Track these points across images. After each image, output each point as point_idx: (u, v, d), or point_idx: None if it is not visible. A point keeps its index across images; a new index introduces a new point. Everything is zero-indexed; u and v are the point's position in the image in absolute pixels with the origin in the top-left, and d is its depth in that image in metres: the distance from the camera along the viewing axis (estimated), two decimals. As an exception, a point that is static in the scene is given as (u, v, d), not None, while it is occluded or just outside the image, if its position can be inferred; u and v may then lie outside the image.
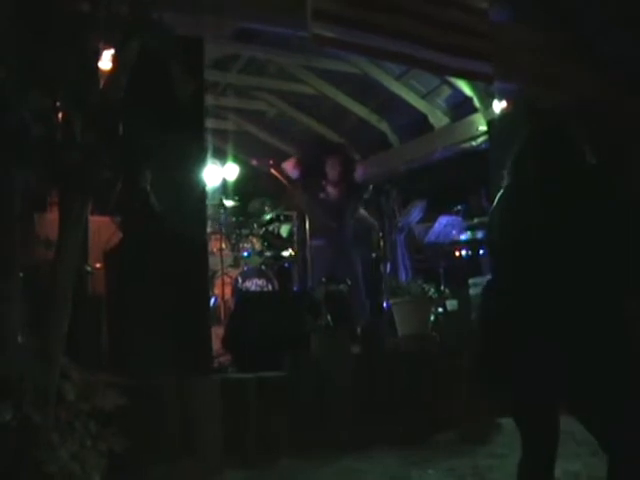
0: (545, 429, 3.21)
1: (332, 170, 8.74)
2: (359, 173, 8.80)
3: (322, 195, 8.68)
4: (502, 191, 3.41)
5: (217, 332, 6.58)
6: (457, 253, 9.85)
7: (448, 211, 9.84)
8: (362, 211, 9.16)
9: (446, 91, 9.88)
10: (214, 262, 8.47)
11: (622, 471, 2.98)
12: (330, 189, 8.73)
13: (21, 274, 3.15)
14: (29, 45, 2.85)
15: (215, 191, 9.44)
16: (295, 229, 9.85)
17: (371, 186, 8.84)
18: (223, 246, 9.02)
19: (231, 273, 9.13)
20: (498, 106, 8.66)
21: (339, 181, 8.73)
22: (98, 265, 5.97)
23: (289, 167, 8.80)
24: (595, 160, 3.26)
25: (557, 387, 3.03)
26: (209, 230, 8.37)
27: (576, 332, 2.92)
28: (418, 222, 9.92)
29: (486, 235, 3.73)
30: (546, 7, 7.70)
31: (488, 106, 8.93)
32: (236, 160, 10.11)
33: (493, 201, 3.46)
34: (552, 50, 7.93)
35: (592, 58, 7.92)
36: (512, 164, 3.37)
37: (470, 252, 9.78)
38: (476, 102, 9.19)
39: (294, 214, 10.12)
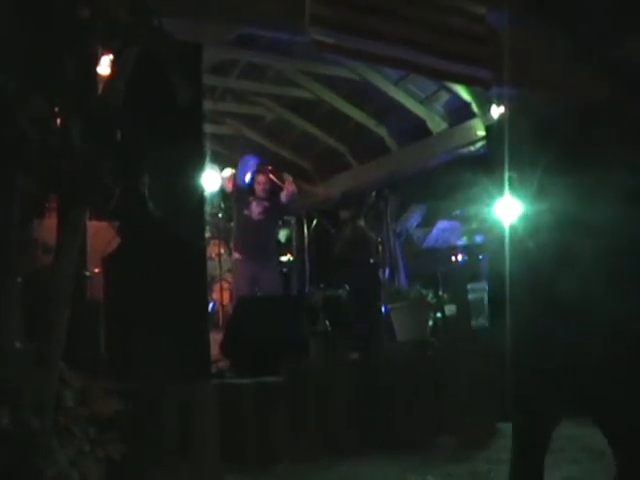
0: (549, 435, 3.22)
1: (258, 187, 8.83)
2: (285, 193, 8.87)
3: (246, 212, 8.75)
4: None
5: (215, 337, 6.58)
6: (455, 258, 9.85)
7: (447, 216, 9.84)
8: (361, 223, 9.20)
9: (444, 96, 9.88)
10: (213, 267, 8.48)
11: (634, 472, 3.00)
12: (254, 206, 8.79)
13: (20, 279, 3.15)
14: (29, 50, 2.85)
15: (214, 196, 9.44)
16: (293, 234, 9.87)
17: (374, 193, 8.85)
18: (222, 251, 9.02)
19: (230, 278, 9.13)
20: (496, 111, 8.66)
21: (263, 199, 8.81)
22: (96, 270, 5.96)
23: (226, 182, 8.92)
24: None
25: (578, 393, 3.05)
26: (208, 235, 8.38)
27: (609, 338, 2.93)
28: (417, 227, 9.92)
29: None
30: (545, 11, 7.71)
31: (486, 111, 8.93)
32: (234, 165, 10.10)
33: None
34: (551, 54, 7.93)
35: (593, 61, 7.93)
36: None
37: (468, 257, 9.78)
38: (474, 107, 9.20)
39: (292, 219, 10.15)
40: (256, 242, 8.54)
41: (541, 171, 3.32)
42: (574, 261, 3.04)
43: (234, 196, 8.99)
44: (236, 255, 8.82)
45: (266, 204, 8.81)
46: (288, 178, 8.94)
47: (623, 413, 3.01)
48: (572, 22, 7.68)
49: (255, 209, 8.78)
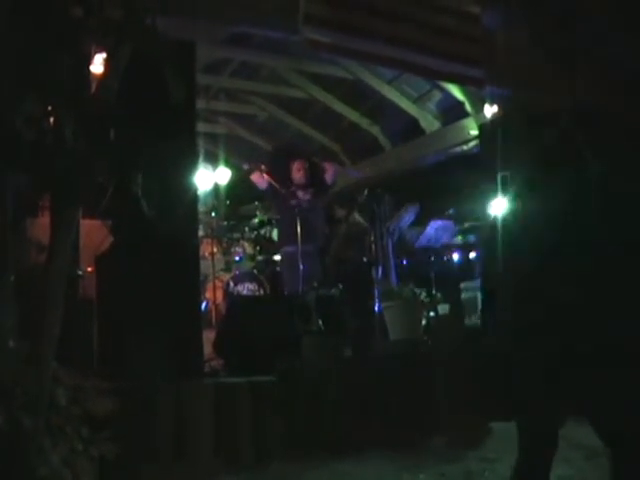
0: (551, 433, 3.22)
1: (297, 175, 8.74)
2: (330, 174, 8.77)
3: (294, 202, 8.66)
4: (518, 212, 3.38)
5: (208, 336, 6.57)
6: (449, 257, 9.87)
7: (440, 215, 9.85)
8: (357, 216, 9.18)
9: (437, 95, 9.90)
10: (205, 266, 8.46)
11: (628, 472, 3.01)
12: (301, 194, 8.71)
13: (13, 278, 3.15)
14: (22, 49, 2.84)
15: (207, 195, 9.43)
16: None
17: (366, 190, 8.85)
18: (214, 250, 9.01)
19: (222, 277, 9.13)
20: (489, 110, 8.68)
21: (307, 184, 8.72)
22: (89, 269, 5.95)
23: (256, 178, 8.76)
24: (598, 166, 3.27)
25: (573, 391, 3.06)
26: (201, 234, 8.36)
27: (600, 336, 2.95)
28: (409, 226, 9.93)
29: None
30: (541, 10, 7.72)
31: (479, 110, 8.96)
32: (228, 164, 10.10)
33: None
34: (546, 54, 7.94)
35: (589, 61, 7.95)
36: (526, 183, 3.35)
37: (462, 256, 9.80)
38: (467, 106, 9.22)
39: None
40: (312, 228, 8.42)
41: (523, 170, 3.37)
42: (565, 259, 3.07)
43: (272, 192, 8.86)
44: (289, 248, 8.63)
45: (312, 190, 8.71)
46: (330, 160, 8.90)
47: (616, 412, 3.02)
48: (570, 21, 7.70)
49: (304, 197, 8.68)
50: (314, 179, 8.79)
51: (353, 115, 11.03)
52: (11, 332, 3.09)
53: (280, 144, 11.63)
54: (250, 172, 8.86)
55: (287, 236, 8.66)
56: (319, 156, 9.35)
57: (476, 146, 9.37)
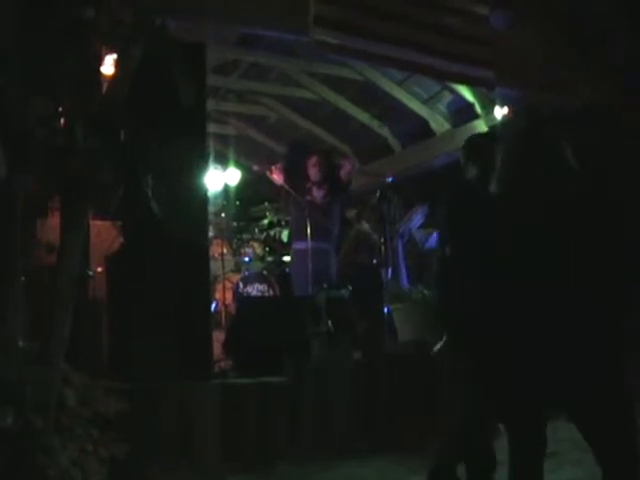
0: (538, 435, 3.22)
1: (313, 170, 8.69)
2: (346, 170, 8.72)
3: (309, 198, 8.63)
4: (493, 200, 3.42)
5: (218, 337, 6.58)
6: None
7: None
8: (365, 225, 9.16)
9: (447, 97, 9.87)
10: (215, 267, 8.46)
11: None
12: (315, 190, 8.68)
13: (23, 278, 3.16)
14: (33, 50, 2.85)
15: (217, 196, 9.43)
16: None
17: (378, 192, 8.81)
18: (224, 251, 9.01)
19: (232, 278, 9.12)
20: (500, 112, 8.66)
21: (322, 181, 8.68)
22: (99, 269, 5.96)
23: (272, 174, 8.70)
24: (578, 164, 3.28)
25: (556, 391, 3.06)
26: (210, 235, 8.36)
27: (579, 335, 2.95)
28: (419, 228, 9.91)
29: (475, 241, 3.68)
30: (547, 12, 7.72)
31: (490, 112, 8.93)
32: (237, 165, 10.10)
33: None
34: (553, 55, 7.94)
35: (594, 62, 7.95)
36: (503, 171, 3.39)
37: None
38: (478, 108, 9.20)
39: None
40: (324, 225, 8.37)
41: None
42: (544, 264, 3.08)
43: (287, 186, 8.67)
44: (300, 245, 8.52)
45: (326, 186, 8.66)
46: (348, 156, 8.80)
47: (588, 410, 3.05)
48: (573, 23, 7.70)
49: (317, 193, 8.62)
50: (329, 175, 8.72)
51: (363, 116, 11.00)
52: (22, 332, 3.10)
53: (298, 140, 11.58)
54: (264, 170, 8.81)
55: (299, 233, 8.61)
56: (337, 153, 9.25)
57: (486, 148, 9.33)
